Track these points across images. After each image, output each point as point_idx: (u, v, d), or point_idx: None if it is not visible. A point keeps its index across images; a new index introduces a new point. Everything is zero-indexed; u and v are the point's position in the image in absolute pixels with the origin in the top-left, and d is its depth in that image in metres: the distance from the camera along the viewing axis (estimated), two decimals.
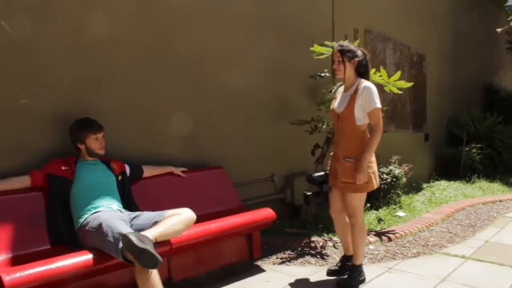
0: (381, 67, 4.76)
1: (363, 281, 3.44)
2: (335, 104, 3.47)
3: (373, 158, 3.36)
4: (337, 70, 3.37)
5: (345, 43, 3.44)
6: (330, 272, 3.60)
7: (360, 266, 3.46)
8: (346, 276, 3.45)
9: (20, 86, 3.23)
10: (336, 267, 3.61)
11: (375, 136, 3.23)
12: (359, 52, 3.35)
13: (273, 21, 5.32)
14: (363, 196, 3.39)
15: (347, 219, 3.53)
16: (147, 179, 3.73)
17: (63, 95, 3.46)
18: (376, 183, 3.36)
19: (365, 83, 3.27)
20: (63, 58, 3.45)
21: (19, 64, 3.22)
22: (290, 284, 3.47)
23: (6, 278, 2.37)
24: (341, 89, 3.51)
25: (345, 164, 3.30)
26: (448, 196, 7.12)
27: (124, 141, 3.82)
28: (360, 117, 3.27)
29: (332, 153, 3.55)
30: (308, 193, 3.69)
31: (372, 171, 3.30)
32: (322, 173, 3.59)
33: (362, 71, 3.36)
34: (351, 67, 3.34)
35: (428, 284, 3.40)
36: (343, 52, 3.33)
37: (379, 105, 3.23)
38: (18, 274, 2.42)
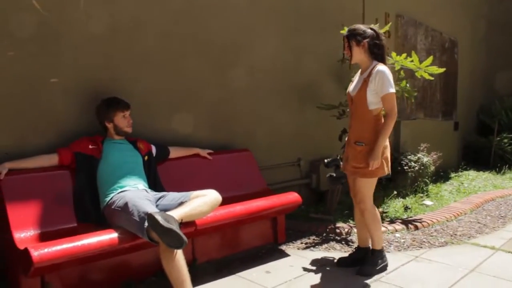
0: (413, 52, 4.63)
1: (385, 266, 3.39)
2: (350, 87, 3.37)
3: (387, 143, 3.25)
4: (347, 55, 3.26)
5: (353, 26, 3.26)
6: (340, 262, 3.52)
7: (380, 251, 3.39)
8: (366, 262, 3.39)
9: (50, 66, 3.24)
10: (346, 257, 3.55)
11: (389, 121, 3.12)
12: (368, 32, 3.18)
13: (301, 4, 5.22)
14: (372, 182, 3.28)
15: None
16: (173, 160, 3.73)
17: (92, 75, 3.46)
18: (387, 170, 3.25)
19: (378, 66, 3.13)
20: (94, 39, 3.45)
21: (50, 44, 3.23)
22: (314, 270, 3.44)
23: (35, 253, 2.40)
24: (359, 72, 3.40)
25: (356, 148, 3.22)
26: (477, 186, 6.95)
27: (153, 122, 3.83)
28: (373, 101, 3.16)
29: (346, 138, 3.46)
30: (328, 175, 3.62)
31: (385, 157, 3.21)
32: (331, 158, 3.52)
33: (375, 51, 3.19)
34: (361, 50, 3.19)
35: (456, 274, 3.32)
36: (350, 37, 3.21)
37: (392, 90, 3.10)
38: (46, 250, 2.45)
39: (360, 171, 3.21)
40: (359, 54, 3.20)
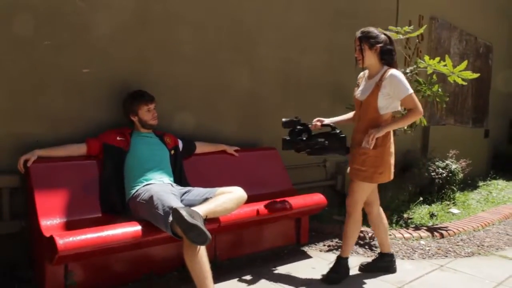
0: (447, 56, 4.52)
1: (347, 273, 3.28)
2: (357, 91, 3.24)
3: (392, 150, 3.15)
4: (358, 59, 3.13)
5: (366, 29, 3.13)
6: (362, 268, 3.45)
7: (346, 259, 3.28)
8: (330, 269, 3.28)
9: (83, 56, 3.26)
10: (370, 262, 3.47)
11: (410, 115, 3.01)
12: (381, 37, 3.06)
13: (337, 3, 5.15)
14: (369, 188, 3.16)
15: (380, 210, 3.40)
16: (200, 155, 3.72)
17: (124, 68, 3.48)
18: (390, 176, 3.15)
19: (391, 71, 3.01)
20: (125, 31, 3.47)
21: (83, 34, 3.25)
22: None
23: (60, 242, 2.42)
24: (365, 75, 3.26)
25: (359, 151, 3.09)
26: (507, 196, 6.76)
27: (183, 116, 3.82)
28: (384, 106, 3.04)
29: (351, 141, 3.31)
30: (283, 138, 3.36)
31: (389, 164, 3.12)
32: (289, 119, 3.30)
33: (385, 58, 3.06)
34: (372, 55, 3.06)
35: (483, 287, 3.23)
36: (362, 39, 3.07)
37: (411, 90, 2.99)
38: (71, 239, 2.47)
39: (361, 174, 3.09)
40: (370, 58, 3.09)
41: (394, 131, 4.77)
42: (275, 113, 4.60)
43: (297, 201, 3.63)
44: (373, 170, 3.07)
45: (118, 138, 3.21)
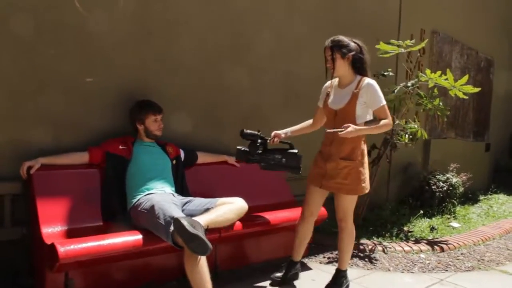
0: (448, 70, 4.55)
1: (348, 286, 3.28)
2: (329, 101, 3.17)
3: (366, 159, 3.14)
4: (330, 69, 3.08)
5: (337, 38, 3.07)
6: (273, 282, 3.35)
7: (345, 271, 3.28)
8: (330, 282, 3.26)
9: (86, 66, 3.28)
10: (280, 275, 3.37)
11: (383, 124, 2.99)
12: (352, 45, 3.02)
13: (340, 17, 5.20)
14: (355, 199, 3.16)
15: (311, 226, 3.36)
16: (201, 165, 3.73)
17: (127, 77, 3.50)
18: (368, 187, 3.15)
19: (367, 79, 3.01)
20: (130, 41, 3.49)
21: (87, 45, 3.27)
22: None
23: (61, 249, 2.43)
24: (334, 85, 3.20)
25: (340, 164, 3.05)
26: (507, 210, 6.76)
27: (184, 127, 3.83)
28: (361, 115, 3.02)
29: (320, 151, 3.25)
30: (239, 147, 3.38)
31: (368, 175, 3.13)
32: (252, 131, 3.32)
33: (358, 65, 3.04)
34: (345, 63, 3.02)
35: None
36: (334, 48, 3.02)
37: (384, 101, 3.01)
38: (72, 247, 2.48)
39: (345, 187, 3.07)
40: (342, 67, 3.04)
41: (394, 145, 4.85)
42: (276, 125, 4.60)
43: (298, 213, 3.61)
44: (357, 182, 3.07)
45: (120, 147, 3.23)
